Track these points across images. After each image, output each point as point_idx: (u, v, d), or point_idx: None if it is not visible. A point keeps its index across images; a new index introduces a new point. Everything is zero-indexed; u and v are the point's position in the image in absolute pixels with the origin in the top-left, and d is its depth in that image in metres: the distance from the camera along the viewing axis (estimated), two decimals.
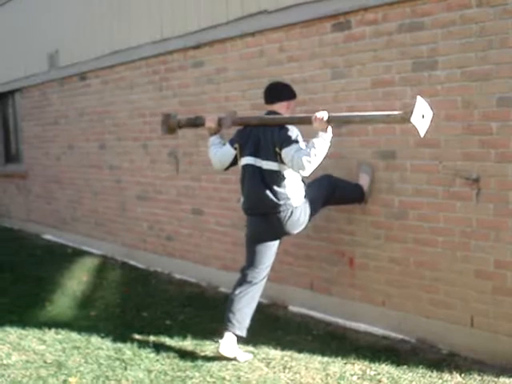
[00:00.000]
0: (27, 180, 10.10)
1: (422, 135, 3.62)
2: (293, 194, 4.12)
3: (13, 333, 4.69)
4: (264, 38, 5.24)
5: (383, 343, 4.34)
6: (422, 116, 3.55)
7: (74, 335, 4.59)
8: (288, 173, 4.09)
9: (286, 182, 4.10)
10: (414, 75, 4.16)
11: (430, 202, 4.15)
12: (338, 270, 4.82)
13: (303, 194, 4.23)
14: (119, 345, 4.35)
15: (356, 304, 4.69)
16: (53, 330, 4.70)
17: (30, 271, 6.90)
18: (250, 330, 4.34)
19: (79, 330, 4.70)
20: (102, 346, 4.36)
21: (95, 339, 4.49)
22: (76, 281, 6.37)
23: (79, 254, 7.91)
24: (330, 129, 3.92)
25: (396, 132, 4.31)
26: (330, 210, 4.81)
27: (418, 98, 3.58)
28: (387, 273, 4.47)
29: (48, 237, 9.34)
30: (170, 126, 4.41)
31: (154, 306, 5.29)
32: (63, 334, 4.63)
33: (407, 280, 4.34)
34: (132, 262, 7.24)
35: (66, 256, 7.78)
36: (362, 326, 4.61)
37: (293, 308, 5.18)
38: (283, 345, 4.29)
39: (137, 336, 4.52)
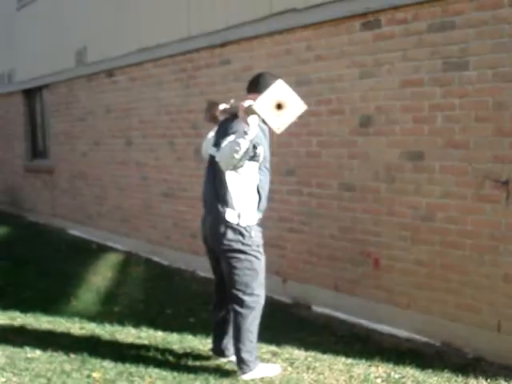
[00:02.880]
0: (53, 175, 10.20)
1: (276, 131, 3.11)
2: (234, 204, 3.55)
3: (37, 327, 4.73)
4: (292, 37, 5.21)
5: (407, 346, 4.28)
6: (278, 106, 3.02)
7: (98, 330, 4.61)
8: (237, 172, 3.51)
9: (228, 186, 3.55)
10: (443, 75, 4.10)
11: (458, 204, 4.09)
12: (363, 271, 4.77)
13: (252, 214, 3.61)
14: (143, 341, 4.36)
15: (381, 306, 4.65)
16: (77, 325, 4.74)
17: (54, 266, 6.96)
18: (274, 329, 4.32)
19: (103, 325, 4.72)
20: (125, 341, 4.38)
21: (119, 335, 4.51)
22: (100, 276, 6.41)
23: (104, 249, 7.96)
24: (253, 121, 3.19)
25: (424, 132, 4.25)
26: (355, 212, 4.77)
27: (278, 81, 3.11)
28: (413, 275, 4.42)
29: (73, 232, 9.42)
30: (213, 114, 4.25)
31: (178, 303, 5.30)
32: (87, 329, 4.66)
33: (433, 283, 4.29)
34: (156, 259, 7.26)
35: (91, 251, 7.84)
36: (386, 328, 4.57)
37: (316, 308, 5.15)
38: (307, 345, 4.26)
39: (160, 333, 4.53)
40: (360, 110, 4.66)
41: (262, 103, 3.03)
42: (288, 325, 4.73)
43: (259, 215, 3.67)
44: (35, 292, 5.76)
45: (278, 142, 4.70)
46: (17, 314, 5.06)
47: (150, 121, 7.37)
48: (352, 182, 4.79)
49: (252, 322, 3.66)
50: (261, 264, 3.68)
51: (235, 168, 3.39)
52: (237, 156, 3.21)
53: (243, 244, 3.56)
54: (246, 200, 3.55)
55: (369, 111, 4.60)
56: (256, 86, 3.63)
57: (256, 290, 3.66)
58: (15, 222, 10.79)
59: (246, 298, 3.63)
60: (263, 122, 3.19)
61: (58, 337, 4.50)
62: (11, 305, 5.28)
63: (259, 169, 3.56)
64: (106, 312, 5.10)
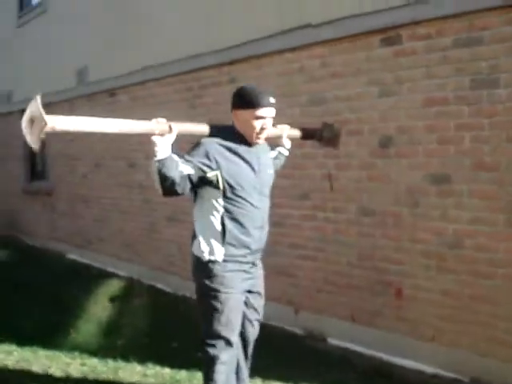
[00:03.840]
0: (52, 197, 9.91)
1: (33, 149, 2.61)
2: (198, 235, 3.15)
3: (35, 363, 4.41)
4: (305, 53, 4.96)
5: (433, 382, 3.99)
6: (31, 121, 2.69)
7: (100, 367, 4.29)
8: (198, 199, 3.12)
9: (194, 214, 3.18)
10: (471, 93, 3.85)
11: (488, 230, 3.82)
12: (383, 301, 4.48)
13: (216, 248, 3.07)
14: (149, 380, 4.05)
15: (403, 338, 4.35)
16: (78, 361, 4.42)
17: (53, 293, 6.63)
18: (288, 363, 4.01)
19: (105, 361, 4.41)
20: (130, 380, 4.06)
21: (123, 372, 4.19)
22: (101, 305, 6.10)
23: (104, 275, 7.64)
24: (160, 142, 2.76)
25: (450, 153, 3.99)
26: (374, 238, 4.49)
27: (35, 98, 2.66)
28: (438, 306, 4.13)
29: (72, 256, 9.10)
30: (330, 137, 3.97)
31: (184, 336, 4.97)
32: (89, 365, 4.34)
33: (461, 314, 4.00)
34: (159, 286, 6.95)
35: (91, 278, 7.51)
36: (409, 363, 4.26)
37: (332, 340, 4.84)
38: (326, 381, 3.96)
39: (168, 370, 4.21)
40: (380, 130, 4.40)
41: (23, 119, 2.65)
42: (303, 359, 4.43)
43: (232, 250, 3.04)
44: (33, 322, 5.43)
45: (292, 164, 4.42)
46: (13, 347, 4.74)
47: None
48: (371, 206, 4.52)
49: (212, 373, 3.12)
50: (224, 308, 3.06)
51: (171, 193, 2.85)
52: (154, 180, 2.83)
53: (203, 281, 3.08)
54: (207, 231, 3.05)
55: (389, 131, 4.34)
56: (232, 103, 3.12)
57: (211, 339, 3.12)
58: (12, 245, 10.43)
59: (204, 342, 3.16)
60: (238, 141, 3.05)
61: (57, 374, 4.18)
62: (7, 336, 4.96)
63: (226, 197, 2.98)
64: (108, 345, 4.78)
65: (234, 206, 3.00)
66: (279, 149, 3.68)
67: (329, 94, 4.78)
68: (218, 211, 3.02)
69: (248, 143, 3.04)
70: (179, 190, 2.85)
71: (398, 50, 4.26)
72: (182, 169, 2.83)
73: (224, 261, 3.04)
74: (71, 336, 5.04)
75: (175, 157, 2.83)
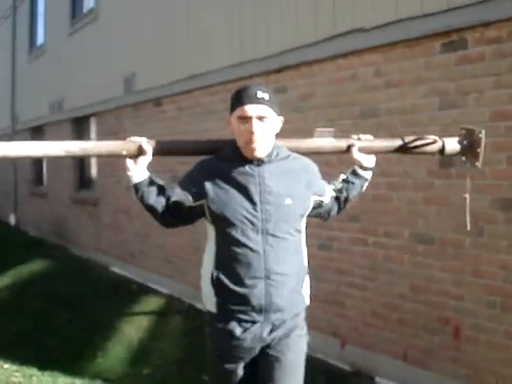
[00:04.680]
0: (98, 208, 9.70)
1: None
2: (201, 278, 2.54)
3: None
4: (358, 60, 4.49)
5: None
6: None
7: None
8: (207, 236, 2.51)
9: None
10: None
11: None
12: (440, 340, 3.94)
13: (209, 297, 2.45)
14: None
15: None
16: None
17: (89, 309, 6.37)
18: None
19: None
20: None
21: None
22: (135, 325, 5.76)
23: (144, 291, 7.32)
24: (131, 165, 2.38)
25: None
26: (431, 269, 3.97)
27: None
28: (503, 350, 3.57)
29: (115, 269, 8.84)
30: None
31: None
32: None
33: None
34: (199, 306, 6.53)
35: (130, 294, 7.22)
36: None
37: (380, 380, 4.33)
38: None
39: None
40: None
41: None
42: None
43: (225, 303, 2.37)
44: (61, 341, 5.20)
45: None
46: (34, 371, 4.46)
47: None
48: (428, 232, 4.00)
49: None
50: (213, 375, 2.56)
51: (166, 224, 2.49)
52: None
53: (206, 332, 2.52)
54: (205, 272, 2.48)
55: None
56: None
57: None
58: (58, 254, 10.31)
59: None
60: (221, 158, 2.39)
61: None
62: (31, 357, 4.73)
63: (218, 234, 2.37)
64: (134, 374, 4.44)
65: (224, 246, 2.35)
66: (349, 174, 2.63)
67: (382, 106, 4.29)
68: (211, 250, 2.42)
69: (250, 161, 2.33)
70: (168, 220, 2.43)
71: (463, 55, 3.74)
72: (168, 195, 2.39)
73: (218, 313, 2.39)
74: (97, 361, 4.71)
75: (159, 181, 2.41)
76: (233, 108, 2.35)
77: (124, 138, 7.68)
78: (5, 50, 15.18)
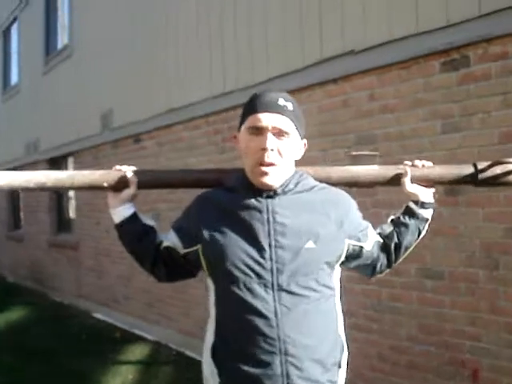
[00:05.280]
0: (78, 251, 9.26)
1: None
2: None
3: None
4: (349, 85, 4.20)
5: None
6: None
7: None
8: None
9: None
10: None
11: None
12: None
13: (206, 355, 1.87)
14: None
15: None
16: None
17: (68, 362, 5.90)
18: None
19: None
20: None
21: None
22: (120, 379, 5.32)
23: (129, 339, 6.87)
24: (112, 200, 2.01)
25: None
26: (442, 307, 3.63)
27: None
28: None
29: (98, 315, 8.38)
30: None
31: None
32: None
33: None
34: (188, 353, 6.13)
35: (114, 342, 6.76)
36: None
37: None
38: None
39: None
40: None
41: None
42: None
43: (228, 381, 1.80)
44: None
45: None
46: None
47: (181, 191, 6.39)
48: (437, 266, 3.66)
49: None
50: None
51: (159, 279, 2.03)
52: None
53: None
54: (205, 350, 1.89)
55: None
56: None
57: None
58: (37, 301, 9.81)
59: None
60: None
61: None
62: None
63: (216, 290, 1.84)
64: None
65: (225, 308, 1.81)
66: (401, 214, 2.06)
67: (379, 132, 4.00)
68: (212, 314, 1.87)
69: (259, 191, 1.79)
70: (161, 272, 1.97)
71: (465, 74, 3.46)
72: (160, 239, 1.95)
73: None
74: None
75: (148, 220, 2.01)
76: (243, 118, 1.81)
77: None
78: None
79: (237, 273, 1.74)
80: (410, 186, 2.02)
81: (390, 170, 2.07)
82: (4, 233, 13.33)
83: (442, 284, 3.64)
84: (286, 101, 1.78)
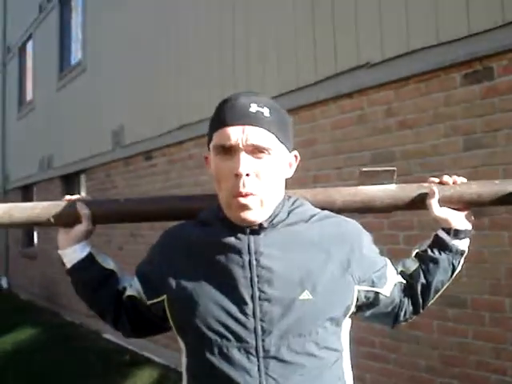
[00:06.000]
0: None
1: None
2: None
3: None
4: (365, 99, 3.99)
5: None
6: None
7: None
8: None
9: None
10: None
11: None
12: None
13: None
14: None
15: None
16: None
17: None
18: None
19: None
20: None
21: None
22: None
23: (137, 363, 6.64)
24: (62, 239, 1.67)
25: None
26: (465, 337, 3.37)
27: None
28: None
29: (107, 336, 8.16)
30: None
31: None
32: None
33: None
34: None
35: (122, 366, 6.53)
36: None
37: None
38: None
39: None
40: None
41: None
42: None
43: None
44: None
45: None
46: None
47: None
48: (459, 294, 3.40)
49: None
50: None
51: (125, 334, 1.64)
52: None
53: None
54: None
55: None
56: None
57: None
58: (48, 320, 9.64)
59: None
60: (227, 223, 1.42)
61: None
62: None
63: (187, 352, 1.42)
64: None
65: (193, 376, 1.41)
66: (428, 246, 1.61)
67: (397, 149, 3.77)
68: (183, 380, 1.45)
69: (238, 227, 1.38)
70: (124, 326, 1.59)
71: (489, 87, 3.23)
72: (123, 286, 1.59)
73: None
74: None
75: (107, 262, 1.64)
76: (209, 134, 1.43)
77: (114, 195, 7.02)
78: None
79: (209, 334, 1.33)
80: (438, 210, 1.58)
81: (411, 190, 1.63)
82: (18, 250, 13.23)
83: (464, 313, 3.38)
84: (259, 106, 1.36)
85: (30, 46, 12.54)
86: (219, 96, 5.06)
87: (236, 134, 1.32)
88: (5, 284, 13.84)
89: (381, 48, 3.81)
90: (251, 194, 1.32)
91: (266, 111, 1.35)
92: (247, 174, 1.31)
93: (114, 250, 8.09)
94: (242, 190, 1.31)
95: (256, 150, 1.33)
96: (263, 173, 1.34)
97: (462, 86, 3.36)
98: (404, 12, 3.68)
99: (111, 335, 8.10)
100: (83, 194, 9.32)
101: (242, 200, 1.32)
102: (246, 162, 1.31)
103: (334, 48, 4.20)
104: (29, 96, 12.71)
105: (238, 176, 1.31)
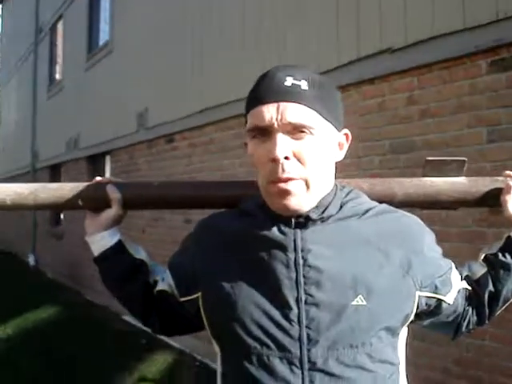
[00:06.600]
0: None
1: None
2: None
3: None
4: (386, 86, 3.82)
5: None
6: None
7: None
8: None
9: None
10: None
11: None
12: None
13: None
14: None
15: None
16: None
17: (90, 370, 5.69)
18: None
19: None
20: None
21: None
22: None
23: (154, 346, 6.61)
24: (90, 225, 1.52)
25: None
26: (481, 339, 3.21)
27: None
28: None
29: (127, 318, 8.15)
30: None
31: None
32: None
33: None
34: (213, 365, 5.84)
35: (137, 349, 6.51)
36: None
37: None
38: None
39: None
40: None
41: None
42: None
43: None
44: None
45: None
46: None
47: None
48: None
49: None
50: None
51: (154, 329, 1.49)
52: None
53: None
54: None
55: None
56: None
57: None
58: (71, 300, 9.72)
59: None
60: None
61: None
62: None
63: (222, 356, 1.29)
64: None
65: (235, 369, 1.24)
66: (499, 250, 1.44)
67: (418, 139, 3.60)
68: (220, 372, 1.31)
69: (283, 218, 1.22)
70: (155, 322, 1.46)
71: None
72: (154, 279, 1.45)
73: None
74: None
75: (139, 251, 1.52)
76: (246, 113, 1.25)
77: (138, 177, 6.94)
78: (27, 88, 14.96)
79: (248, 340, 1.18)
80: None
81: (483, 185, 1.46)
82: (45, 228, 13.35)
83: None
84: (297, 79, 1.18)
85: (60, 25, 12.55)
86: (240, 81, 4.95)
87: (270, 112, 1.16)
88: (32, 261, 13.99)
89: (405, 32, 3.64)
90: (291, 179, 1.15)
91: (303, 84, 1.18)
92: (286, 157, 1.15)
93: (137, 232, 8.07)
94: (281, 175, 1.15)
95: (295, 130, 1.16)
96: (306, 155, 1.16)
97: (488, 74, 3.18)
98: None
99: (130, 317, 8.08)
100: (108, 175, 9.33)
101: (282, 185, 1.16)
102: (283, 143, 1.15)
103: (356, 32, 4.03)
104: (58, 76, 12.76)
105: (275, 160, 1.15)
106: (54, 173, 12.65)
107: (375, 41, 3.86)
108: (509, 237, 1.41)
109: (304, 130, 1.16)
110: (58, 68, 12.94)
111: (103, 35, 9.78)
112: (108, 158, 9.55)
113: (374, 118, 3.91)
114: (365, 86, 4.00)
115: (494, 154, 3.15)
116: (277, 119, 1.15)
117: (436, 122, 3.49)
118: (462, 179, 1.46)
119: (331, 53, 4.26)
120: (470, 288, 1.38)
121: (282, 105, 1.15)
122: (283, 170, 1.14)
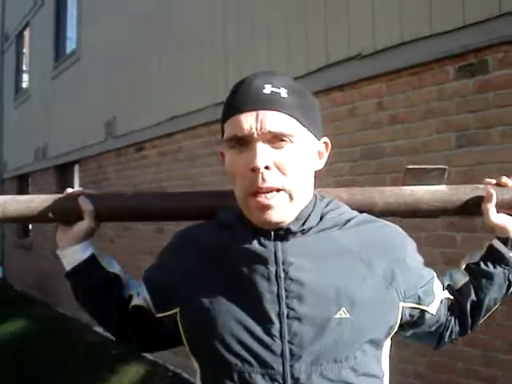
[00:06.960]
0: None
1: None
2: None
3: None
4: (356, 92, 3.83)
5: None
6: None
7: None
8: None
9: None
10: None
11: None
12: None
13: None
14: None
15: None
16: None
17: (61, 381, 5.58)
18: None
19: None
20: None
21: None
22: None
23: (125, 358, 6.51)
24: (61, 238, 1.46)
25: None
26: (455, 344, 3.20)
27: None
28: None
29: (98, 329, 8.03)
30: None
31: None
32: None
33: None
34: (185, 375, 5.78)
35: (109, 361, 6.41)
36: None
37: None
38: None
39: None
40: None
41: None
42: None
43: None
44: None
45: None
46: None
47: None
48: None
49: None
50: None
51: (130, 346, 1.43)
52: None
53: None
54: None
55: None
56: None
57: None
58: (40, 313, 9.56)
59: None
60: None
61: None
62: None
63: (202, 374, 1.23)
64: None
65: None
66: (481, 258, 1.40)
67: (387, 145, 3.60)
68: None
69: (262, 230, 1.17)
70: (130, 339, 1.40)
71: (483, 81, 3.07)
72: (128, 293, 1.40)
73: None
74: None
75: (111, 264, 1.47)
76: (222, 122, 1.21)
77: (107, 186, 6.82)
78: None
79: (228, 357, 1.14)
80: (495, 216, 1.36)
81: (465, 193, 1.42)
82: (14, 240, 13.12)
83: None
84: (276, 86, 1.14)
85: (27, 33, 12.38)
86: (208, 88, 4.91)
87: (249, 121, 1.11)
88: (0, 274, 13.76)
89: (373, 38, 3.65)
90: (275, 189, 1.11)
91: (282, 92, 1.14)
92: (267, 167, 1.10)
93: (106, 242, 7.96)
94: (262, 185, 1.10)
95: (275, 139, 1.12)
96: (287, 164, 1.12)
97: (456, 80, 3.19)
98: (397, 2, 3.51)
99: (101, 329, 7.97)
100: (76, 184, 9.20)
101: (263, 199, 1.11)
102: (263, 153, 1.10)
103: (325, 39, 4.03)
104: (25, 84, 12.58)
105: (255, 170, 1.10)
106: (22, 183, 12.46)
107: (344, 47, 3.86)
108: (490, 245, 1.39)
109: (284, 138, 1.12)
110: (24, 76, 12.75)
111: (70, 43, 9.67)
112: (77, 168, 9.42)
113: (344, 124, 3.91)
114: (334, 93, 3.99)
115: (463, 159, 3.16)
116: (256, 128, 1.10)
117: (405, 127, 3.49)
118: (442, 187, 1.44)
119: (300, 60, 4.25)
120: (451, 298, 1.36)
121: (262, 113, 1.11)
122: (263, 180, 1.10)
